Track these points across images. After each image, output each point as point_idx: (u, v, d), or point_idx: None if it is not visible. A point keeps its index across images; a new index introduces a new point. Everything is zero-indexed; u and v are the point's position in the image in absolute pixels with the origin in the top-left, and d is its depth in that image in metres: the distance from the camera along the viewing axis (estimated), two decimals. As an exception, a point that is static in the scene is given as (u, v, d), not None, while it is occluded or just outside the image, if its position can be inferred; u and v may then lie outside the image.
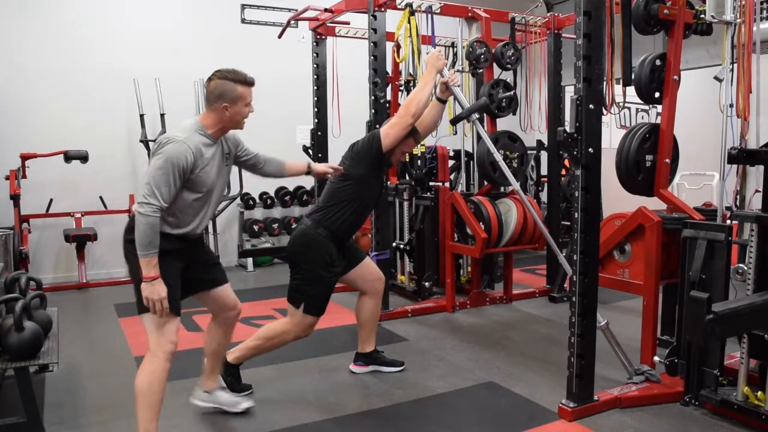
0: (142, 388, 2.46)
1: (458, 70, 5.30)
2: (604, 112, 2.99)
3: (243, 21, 6.95)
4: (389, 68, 5.43)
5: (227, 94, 2.49)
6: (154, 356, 2.46)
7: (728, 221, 2.95)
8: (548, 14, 5.37)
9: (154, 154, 2.43)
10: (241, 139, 2.81)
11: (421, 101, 3.13)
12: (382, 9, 4.52)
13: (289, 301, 3.12)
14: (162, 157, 2.37)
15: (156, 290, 2.36)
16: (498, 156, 3.56)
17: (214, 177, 2.56)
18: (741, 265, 2.87)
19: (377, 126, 3.84)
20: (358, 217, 3.20)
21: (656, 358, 3.22)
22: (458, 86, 3.40)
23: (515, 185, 3.59)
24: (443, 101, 3.38)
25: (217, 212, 5.89)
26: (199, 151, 2.45)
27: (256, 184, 6.68)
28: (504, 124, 5.04)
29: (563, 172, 6.31)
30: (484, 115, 4.78)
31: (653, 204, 3.29)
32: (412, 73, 5.26)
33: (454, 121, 4.03)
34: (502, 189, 5.06)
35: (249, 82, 2.56)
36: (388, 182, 4.89)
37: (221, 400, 2.95)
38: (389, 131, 3.15)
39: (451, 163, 5.91)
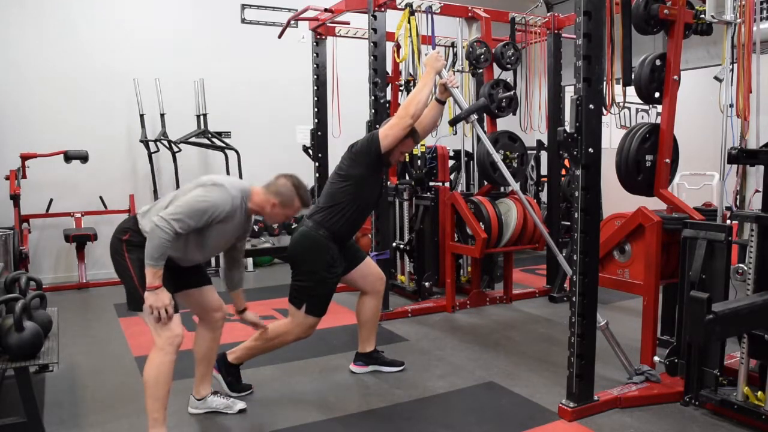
0: (150, 380, 2.52)
1: (458, 70, 5.30)
2: (604, 112, 2.99)
3: (243, 21, 6.95)
4: (389, 68, 5.43)
5: (285, 199, 2.72)
6: (161, 350, 2.51)
7: (728, 221, 2.95)
8: (548, 14, 5.38)
9: (197, 186, 2.57)
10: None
11: (420, 102, 3.13)
12: (382, 9, 4.52)
13: (290, 302, 3.13)
14: (205, 196, 2.52)
15: (160, 299, 2.44)
16: (497, 157, 3.56)
17: (226, 237, 2.70)
18: (741, 265, 2.87)
19: (377, 126, 3.84)
20: (358, 217, 3.21)
21: (656, 358, 3.22)
22: (457, 87, 3.39)
23: (514, 186, 3.59)
24: (442, 102, 3.38)
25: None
26: (234, 212, 2.61)
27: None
28: (504, 124, 5.04)
29: (563, 172, 6.31)
30: (484, 115, 4.79)
31: (653, 204, 3.29)
32: (412, 73, 5.26)
33: (453, 122, 4.02)
34: (502, 189, 5.06)
35: (305, 205, 2.79)
36: (388, 182, 4.89)
37: (215, 404, 2.97)
38: (388, 132, 3.15)
39: (451, 163, 5.91)
